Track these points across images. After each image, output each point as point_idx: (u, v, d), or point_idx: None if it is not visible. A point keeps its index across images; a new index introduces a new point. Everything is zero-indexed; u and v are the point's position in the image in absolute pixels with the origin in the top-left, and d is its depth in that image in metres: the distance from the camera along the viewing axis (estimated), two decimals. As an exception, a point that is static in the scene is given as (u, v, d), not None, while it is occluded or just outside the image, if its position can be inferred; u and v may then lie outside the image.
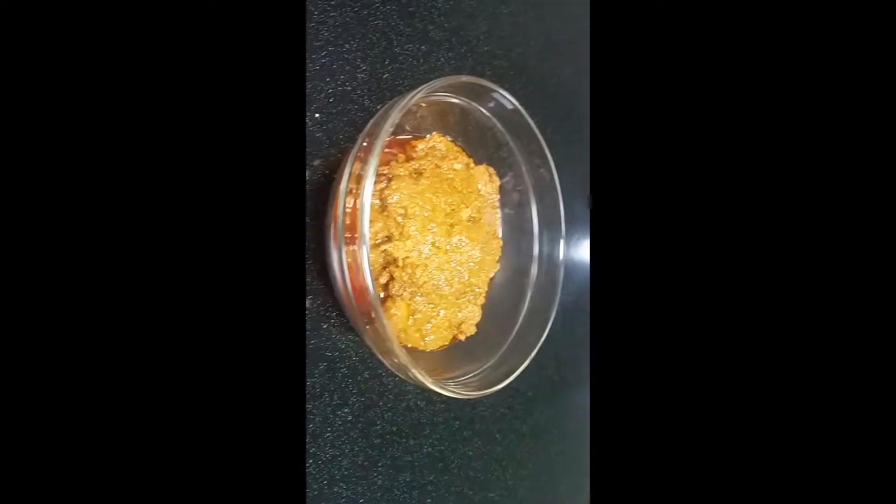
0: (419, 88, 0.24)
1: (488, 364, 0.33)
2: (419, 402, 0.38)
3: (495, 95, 0.31)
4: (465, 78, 0.27)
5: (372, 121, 0.24)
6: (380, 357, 0.27)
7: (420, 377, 0.25)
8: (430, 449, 0.40)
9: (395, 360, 0.24)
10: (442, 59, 0.40)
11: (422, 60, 0.38)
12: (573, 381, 0.57)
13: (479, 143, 0.37)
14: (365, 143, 0.23)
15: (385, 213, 0.28)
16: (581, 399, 0.59)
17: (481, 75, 0.44)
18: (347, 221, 0.23)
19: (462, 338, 0.35)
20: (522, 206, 0.39)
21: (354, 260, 0.23)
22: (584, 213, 0.56)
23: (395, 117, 0.23)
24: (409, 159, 0.32)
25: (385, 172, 0.29)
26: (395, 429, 0.37)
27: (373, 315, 0.23)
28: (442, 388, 0.26)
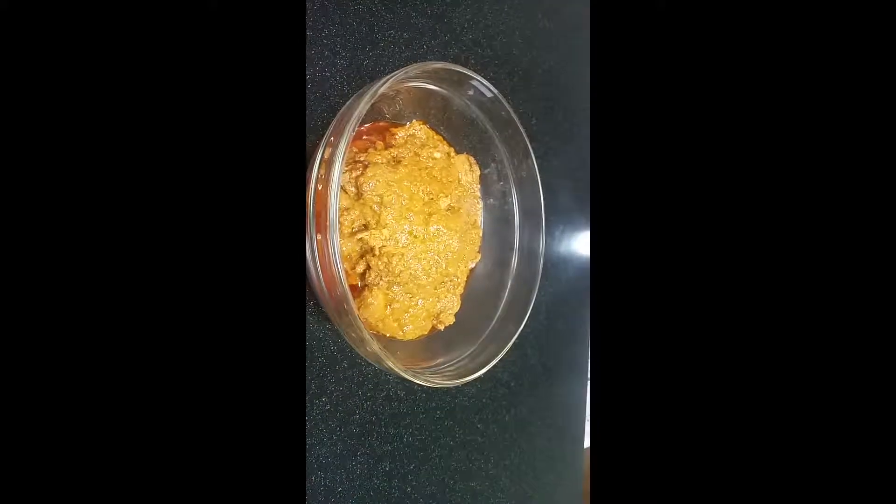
0: (390, 75, 0.24)
1: (466, 353, 0.33)
2: (399, 392, 0.38)
3: (474, 83, 0.31)
4: (438, 64, 0.27)
5: (344, 106, 0.24)
6: (354, 346, 0.27)
7: (393, 366, 0.25)
8: (410, 438, 0.40)
9: (369, 349, 0.24)
10: (425, 46, 0.40)
11: (404, 48, 0.38)
12: (557, 372, 0.57)
13: (461, 132, 0.37)
14: (335, 129, 0.23)
15: (361, 201, 0.28)
16: (564, 390, 0.59)
17: (465, 64, 0.44)
18: (318, 208, 0.23)
19: (441, 327, 0.35)
20: (504, 197, 0.39)
21: (324, 248, 0.22)
22: (569, 204, 0.56)
23: (365, 104, 0.22)
24: (388, 146, 0.31)
25: (362, 159, 0.29)
26: (374, 418, 0.37)
27: (344, 305, 0.23)
28: (415, 377, 0.26)
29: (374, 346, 0.23)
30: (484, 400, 0.47)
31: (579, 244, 0.59)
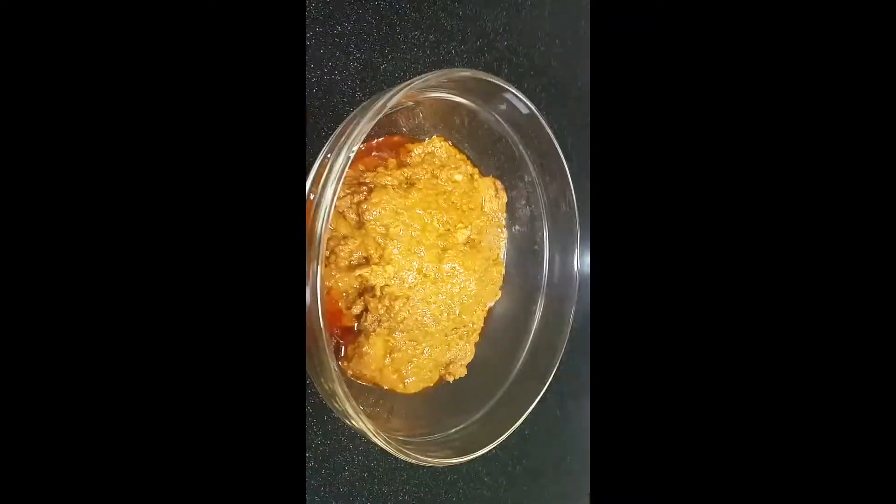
0: (404, 84, 0.19)
1: (476, 417, 0.27)
2: (397, 445, 0.33)
3: (508, 97, 0.26)
4: (466, 72, 0.22)
5: (347, 118, 0.19)
6: (326, 400, 0.21)
7: (374, 437, 0.19)
8: (406, 497, 0.35)
9: (338, 407, 0.19)
10: (453, 51, 0.35)
11: (429, 52, 0.33)
12: (575, 415, 0.51)
13: (487, 150, 0.32)
14: (333, 145, 0.18)
15: (363, 231, 0.23)
16: (584, 436, 0.53)
17: (497, 74, 0.39)
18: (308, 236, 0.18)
19: (450, 379, 0.29)
20: (532, 226, 0.34)
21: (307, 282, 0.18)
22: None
23: (369, 120, 0.18)
24: (401, 165, 0.27)
25: (367, 181, 0.24)
26: (366, 475, 0.32)
27: (321, 353, 0.18)
28: (402, 449, 0.21)
29: (349, 407, 0.18)
30: (493, 450, 0.42)
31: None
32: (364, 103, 0.19)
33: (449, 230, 0.26)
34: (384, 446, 0.21)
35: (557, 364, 0.31)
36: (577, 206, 0.33)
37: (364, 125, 0.17)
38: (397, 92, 0.18)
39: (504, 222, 0.32)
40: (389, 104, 0.18)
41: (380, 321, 0.24)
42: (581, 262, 0.35)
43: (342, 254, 0.24)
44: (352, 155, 0.17)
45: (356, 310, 0.24)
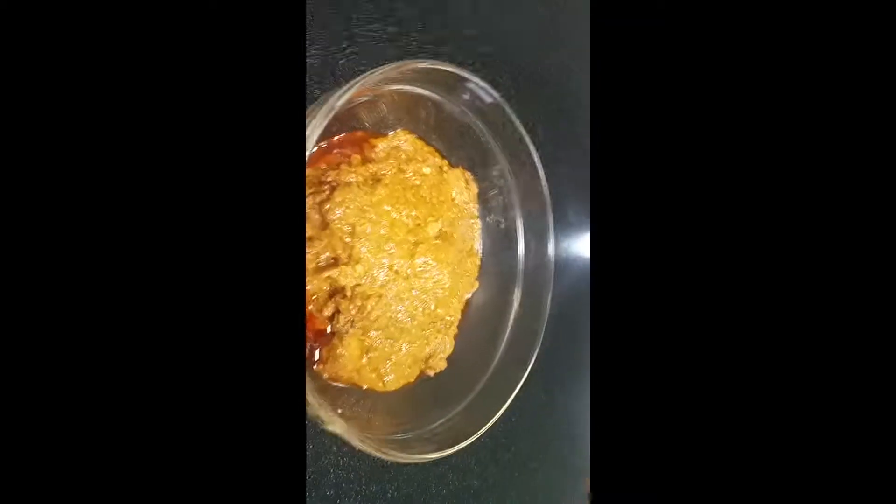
0: (357, 79, 0.18)
1: (459, 408, 0.27)
2: (382, 443, 0.33)
3: (470, 86, 0.26)
4: (424, 63, 0.22)
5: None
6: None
7: (348, 438, 0.19)
8: (395, 493, 0.35)
9: (313, 414, 0.19)
10: (414, 42, 0.35)
11: (389, 44, 0.33)
12: (562, 401, 0.52)
13: (455, 142, 0.31)
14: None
15: (328, 231, 0.23)
16: (569, 420, 0.54)
17: (463, 64, 0.39)
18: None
19: (431, 374, 0.29)
20: (506, 215, 0.34)
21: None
22: (578, 218, 0.51)
23: (323, 115, 0.17)
24: (366, 161, 0.26)
25: (330, 180, 0.24)
26: (352, 475, 0.32)
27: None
28: (381, 448, 0.21)
29: (324, 414, 0.18)
30: (480, 438, 0.42)
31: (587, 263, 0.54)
32: (318, 100, 0.19)
33: (419, 224, 0.26)
34: (363, 448, 0.21)
35: (537, 350, 0.31)
36: (549, 193, 0.33)
37: (318, 122, 0.17)
38: (349, 88, 0.18)
39: (477, 213, 0.32)
40: (340, 101, 0.17)
41: (352, 322, 0.24)
42: (557, 248, 0.35)
43: (308, 256, 0.23)
44: (311, 151, 0.17)
45: (328, 312, 0.24)
